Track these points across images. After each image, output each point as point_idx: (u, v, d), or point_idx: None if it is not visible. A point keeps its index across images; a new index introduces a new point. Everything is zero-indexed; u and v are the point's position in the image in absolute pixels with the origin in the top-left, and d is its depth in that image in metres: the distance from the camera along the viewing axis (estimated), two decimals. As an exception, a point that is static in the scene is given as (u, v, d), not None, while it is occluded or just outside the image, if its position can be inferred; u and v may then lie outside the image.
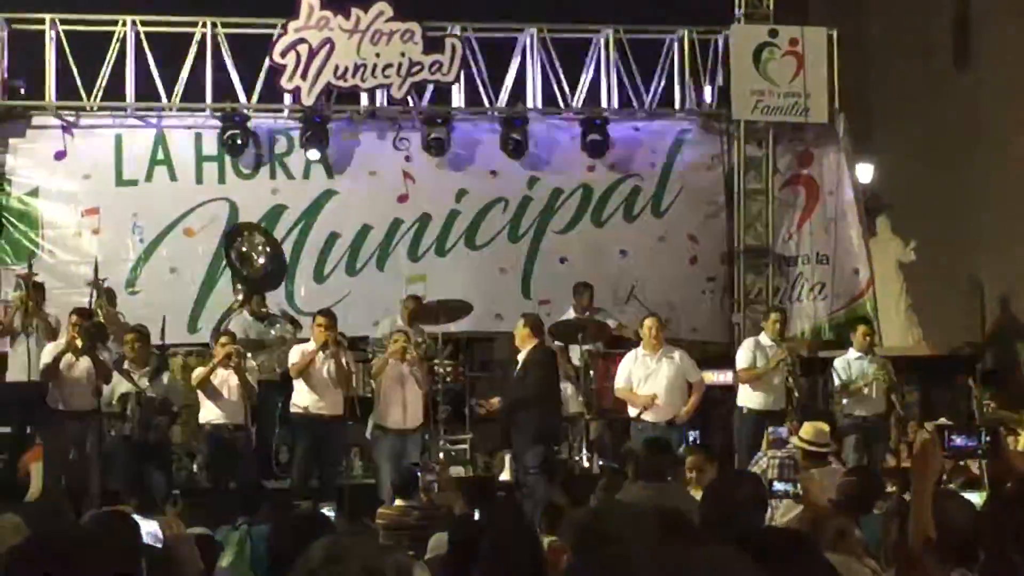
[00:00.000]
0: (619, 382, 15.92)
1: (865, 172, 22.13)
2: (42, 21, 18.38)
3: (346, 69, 18.46)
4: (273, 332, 16.57)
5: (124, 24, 18.44)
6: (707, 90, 19.64)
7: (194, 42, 18.54)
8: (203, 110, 18.73)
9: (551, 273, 18.97)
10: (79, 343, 14.59)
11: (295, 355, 15.55)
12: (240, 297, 16.86)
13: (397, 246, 18.87)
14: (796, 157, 19.76)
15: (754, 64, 19.21)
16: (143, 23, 18.58)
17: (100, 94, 18.41)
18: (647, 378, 15.71)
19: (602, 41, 19.31)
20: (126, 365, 15.05)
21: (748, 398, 16.04)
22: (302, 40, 18.41)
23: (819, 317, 19.27)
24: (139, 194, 18.50)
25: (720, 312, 19.40)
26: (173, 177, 18.60)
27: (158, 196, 18.54)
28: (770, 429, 12.88)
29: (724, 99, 19.46)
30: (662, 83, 19.51)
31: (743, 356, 16.18)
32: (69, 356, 14.70)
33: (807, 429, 12.77)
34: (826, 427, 12.97)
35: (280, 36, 18.43)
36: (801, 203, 19.66)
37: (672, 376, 15.74)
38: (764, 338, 16.31)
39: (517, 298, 18.71)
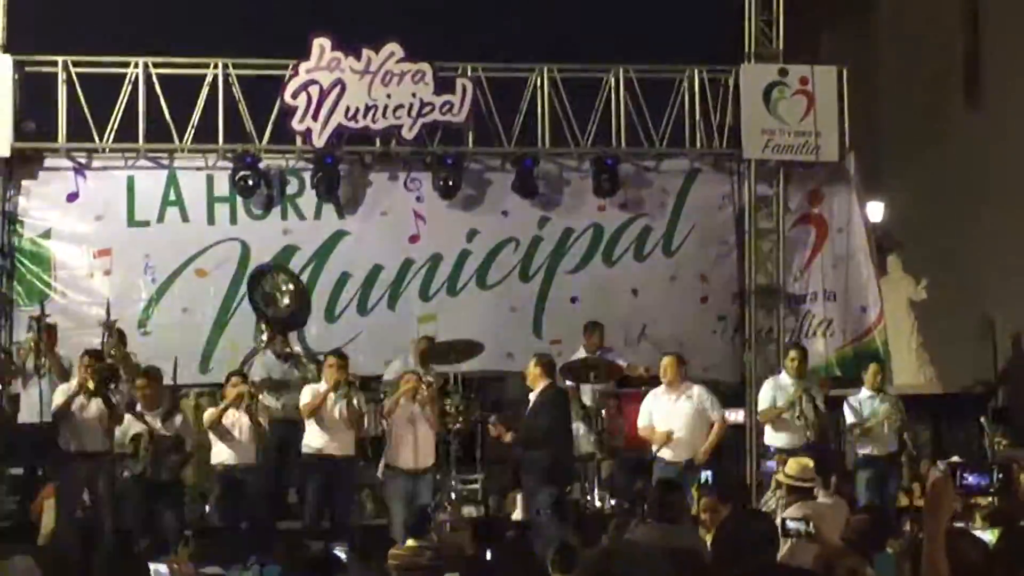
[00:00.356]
0: (641, 420, 16.04)
1: (876, 210, 22.14)
2: (54, 63, 18.40)
3: (357, 110, 18.50)
4: (296, 372, 16.59)
5: (136, 66, 18.47)
6: (717, 129, 19.61)
7: (206, 83, 18.56)
8: (214, 151, 18.72)
9: (562, 313, 18.97)
10: (91, 384, 14.62)
11: (307, 395, 15.59)
12: (264, 337, 16.88)
13: (408, 286, 18.87)
14: (806, 196, 19.75)
15: (764, 103, 19.24)
16: (155, 64, 18.59)
17: (112, 135, 18.41)
18: (667, 416, 15.76)
19: (612, 80, 19.32)
20: (138, 407, 15.07)
21: (773, 437, 16.19)
22: (313, 81, 18.45)
23: (826, 353, 19.22)
24: (151, 235, 18.51)
25: (731, 351, 19.37)
26: (185, 218, 18.62)
27: (170, 237, 18.55)
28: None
29: (734, 138, 19.44)
30: (672, 122, 19.49)
31: (763, 396, 16.26)
32: (81, 397, 14.73)
33: (792, 465, 12.80)
34: (810, 463, 12.95)
35: (291, 77, 18.47)
36: (811, 241, 19.65)
37: (691, 414, 15.84)
38: (783, 377, 16.35)
39: (528, 338, 18.70)
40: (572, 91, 19.44)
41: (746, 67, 19.47)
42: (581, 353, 17.61)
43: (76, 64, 18.43)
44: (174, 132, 18.56)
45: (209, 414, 15.36)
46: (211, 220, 18.69)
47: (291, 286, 17.60)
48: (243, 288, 18.11)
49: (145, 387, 15.11)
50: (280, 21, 22.22)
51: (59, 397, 14.90)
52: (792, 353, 16.53)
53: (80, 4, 21.89)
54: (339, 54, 18.54)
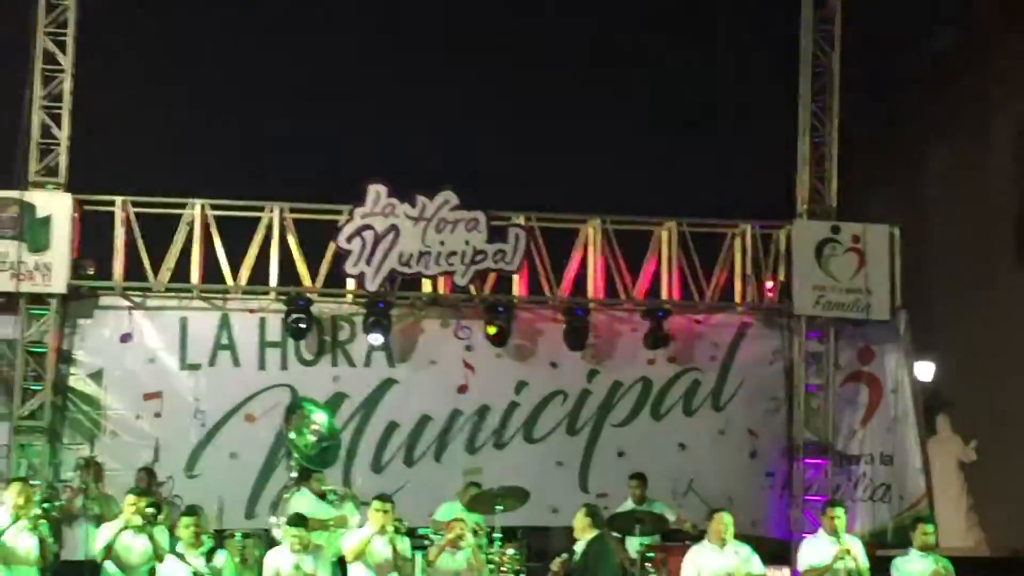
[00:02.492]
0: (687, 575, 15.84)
1: (926, 369, 22.05)
2: (112, 202, 18.61)
3: (410, 256, 18.64)
4: (334, 511, 16.48)
5: (193, 207, 18.66)
6: (768, 285, 19.64)
7: (262, 225, 18.73)
8: (267, 293, 18.82)
9: (609, 466, 18.94)
10: (137, 522, 14.58)
11: (351, 540, 15.47)
12: (294, 475, 16.75)
13: (455, 438, 18.93)
14: (857, 353, 19.74)
15: (816, 260, 19.32)
16: (212, 206, 18.77)
17: (167, 275, 18.54)
18: (715, 572, 15.59)
19: (664, 234, 19.41)
20: (179, 547, 15.02)
21: (819, 597, 15.92)
22: (368, 226, 18.62)
23: (882, 520, 19.06)
24: (202, 379, 18.61)
25: (779, 507, 19.24)
26: (236, 362, 18.72)
27: (221, 381, 18.64)
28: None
29: (786, 294, 19.46)
30: (724, 277, 19.54)
31: (806, 554, 16.04)
32: (126, 535, 14.68)
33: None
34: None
35: (347, 222, 18.65)
36: (863, 400, 19.60)
37: (736, 570, 15.62)
38: (823, 535, 16.16)
39: (574, 491, 18.68)
40: (624, 243, 19.54)
41: (799, 223, 19.58)
42: (628, 504, 17.50)
43: (134, 204, 18.64)
44: (228, 273, 18.71)
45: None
46: (262, 365, 18.78)
47: (317, 424, 17.46)
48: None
49: (189, 527, 15.05)
50: (337, 166, 22.46)
51: (106, 534, 14.85)
52: (833, 511, 16.32)
53: (140, 144, 22.22)
54: (394, 200, 18.71)
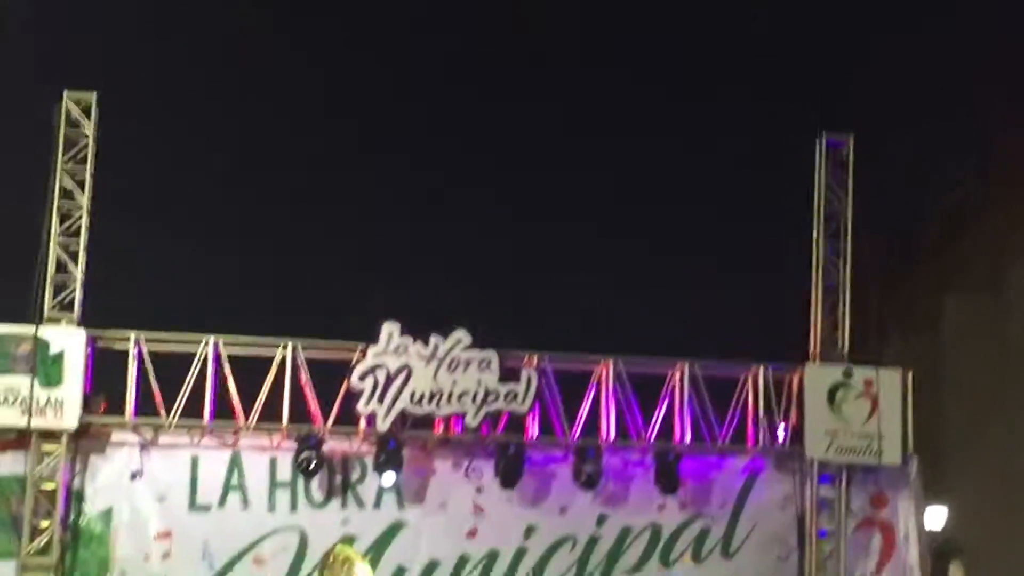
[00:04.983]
0: None
1: (939, 515, 21.91)
2: (126, 338, 18.62)
3: (422, 395, 18.65)
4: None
5: (207, 344, 18.65)
6: (780, 428, 19.57)
7: (274, 363, 18.72)
8: (279, 431, 18.77)
9: (619, 612, 18.83)
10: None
11: None
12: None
13: (463, 585, 18.83)
14: (870, 498, 19.62)
15: (828, 403, 19.29)
16: (226, 343, 18.77)
17: (179, 412, 18.53)
18: None
19: (677, 375, 19.36)
20: None
21: None
22: (380, 365, 18.64)
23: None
24: (212, 520, 18.55)
25: (792, 651, 19.11)
26: (246, 503, 18.66)
27: (231, 522, 18.58)
28: None
29: (797, 437, 19.39)
30: (736, 419, 19.47)
31: None
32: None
33: None
34: None
35: (359, 361, 18.64)
36: (876, 547, 19.50)
37: None
38: None
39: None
40: (636, 384, 19.48)
41: (811, 367, 19.53)
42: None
43: (148, 339, 18.65)
44: (240, 410, 18.68)
45: None
46: (272, 507, 18.72)
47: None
48: (301, 576, 18.02)
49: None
50: (351, 304, 22.50)
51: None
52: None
53: (154, 281, 22.33)
54: (407, 339, 18.74)
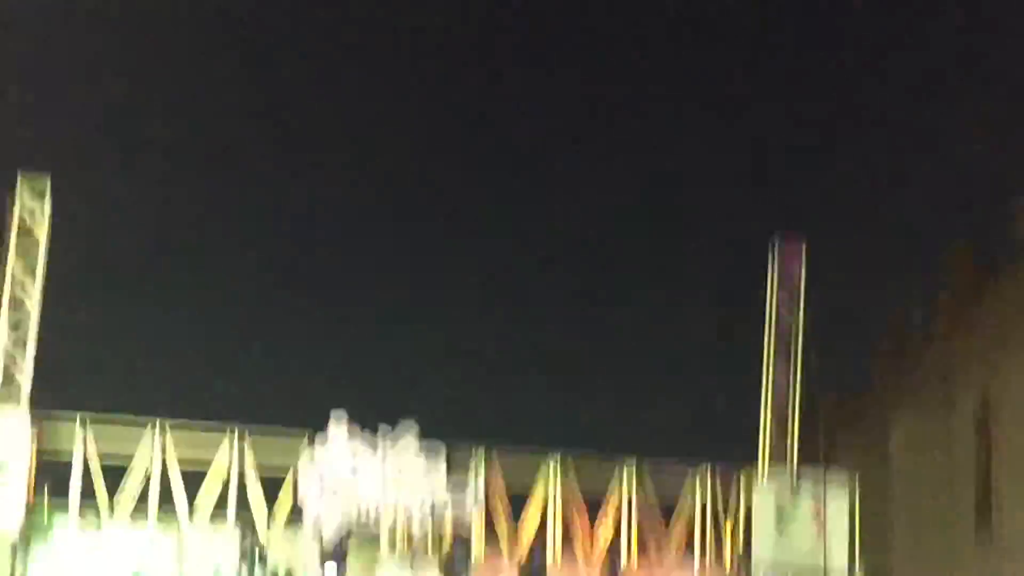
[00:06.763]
0: None
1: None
2: (73, 419, 18.45)
3: (367, 510, 18.78)
4: None
5: (153, 427, 18.66)
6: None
7: (222, 449, 18.73)
8: (223, 526, 18.69)
9: None
10: None
11: None
12: None
13: None
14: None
15: (776, 527, 19.61)
16: (172, 425, 18.76)
17: (126, 504, 18.37)
18: None
19: (625, 471, 19.56)
20: None
21: None
22: (328, 468, 18.69)
23: None
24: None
25: None
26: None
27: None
28: None
29: (744, 565, 19.57)
30: (682, 528, 19.64)
31: None
32: None
33: None
34: None
35: (307, 460, 18.75)
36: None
37: None
38: None
39: None
40: (584, 478, 19.52)
41: (757, 492, 19.86)
42: None
43: (93, 420, 18.47)
44: (185, 502, 18.51)
45: None
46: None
47: None
48: None
49: None
50: (299, 390, 22.42)
51: None
52: None
53: (103, 363, 22.03)
54: (355, 429, 18.71)
